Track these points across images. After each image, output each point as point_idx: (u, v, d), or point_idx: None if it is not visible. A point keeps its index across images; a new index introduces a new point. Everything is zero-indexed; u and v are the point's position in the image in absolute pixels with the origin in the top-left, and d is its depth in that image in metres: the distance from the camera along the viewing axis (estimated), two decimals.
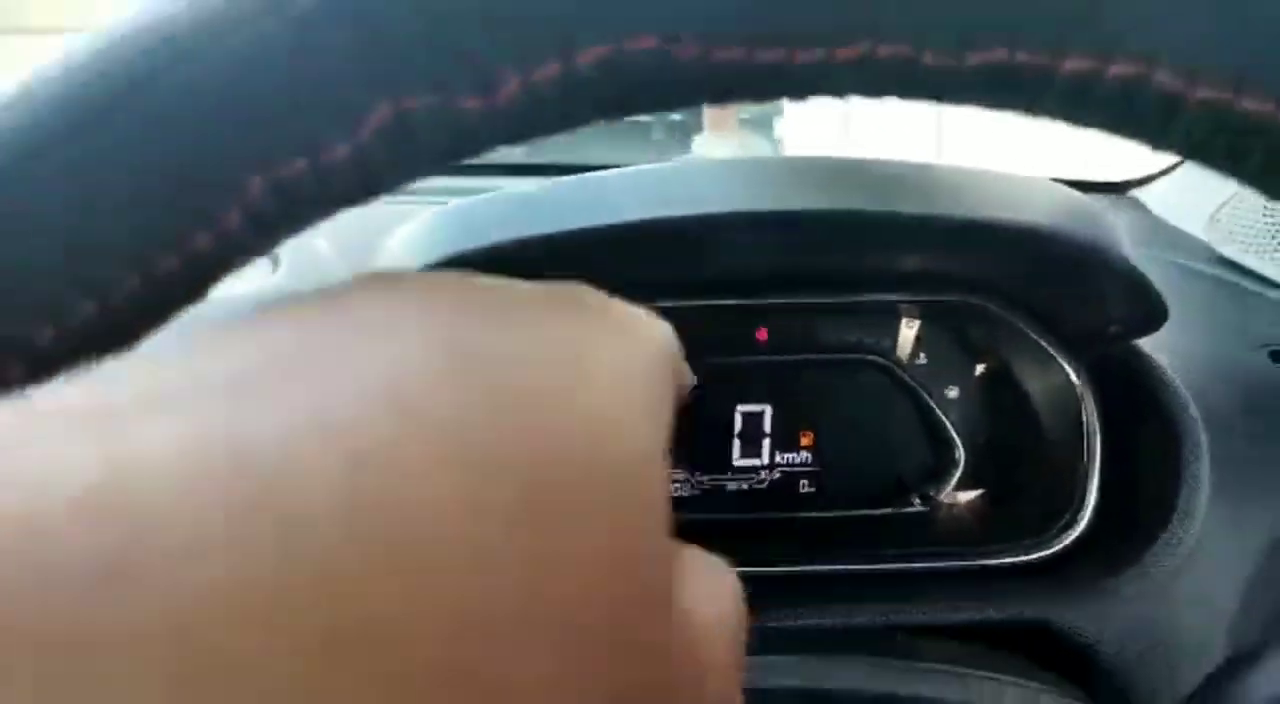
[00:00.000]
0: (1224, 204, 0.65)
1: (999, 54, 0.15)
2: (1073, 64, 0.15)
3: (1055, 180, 0.72)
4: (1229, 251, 0.64)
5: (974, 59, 0.15)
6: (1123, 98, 0.15)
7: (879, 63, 0.15)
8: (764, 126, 2.39)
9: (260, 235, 0.16)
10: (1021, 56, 0.15)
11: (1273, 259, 0.61)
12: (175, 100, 0.14)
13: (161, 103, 0.14)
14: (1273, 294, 0.59)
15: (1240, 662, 0.33)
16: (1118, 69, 0.15)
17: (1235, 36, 0.15)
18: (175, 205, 0.14)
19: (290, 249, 0.59)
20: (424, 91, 0.14)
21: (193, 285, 0.16)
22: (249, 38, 0.14)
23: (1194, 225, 0.67)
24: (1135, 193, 0.74)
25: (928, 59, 0.16)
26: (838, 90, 0.17)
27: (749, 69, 0.15)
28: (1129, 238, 0.65)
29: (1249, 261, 0.62)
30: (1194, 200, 0.68)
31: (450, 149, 0.16)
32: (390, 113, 0.14)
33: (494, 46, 0.14)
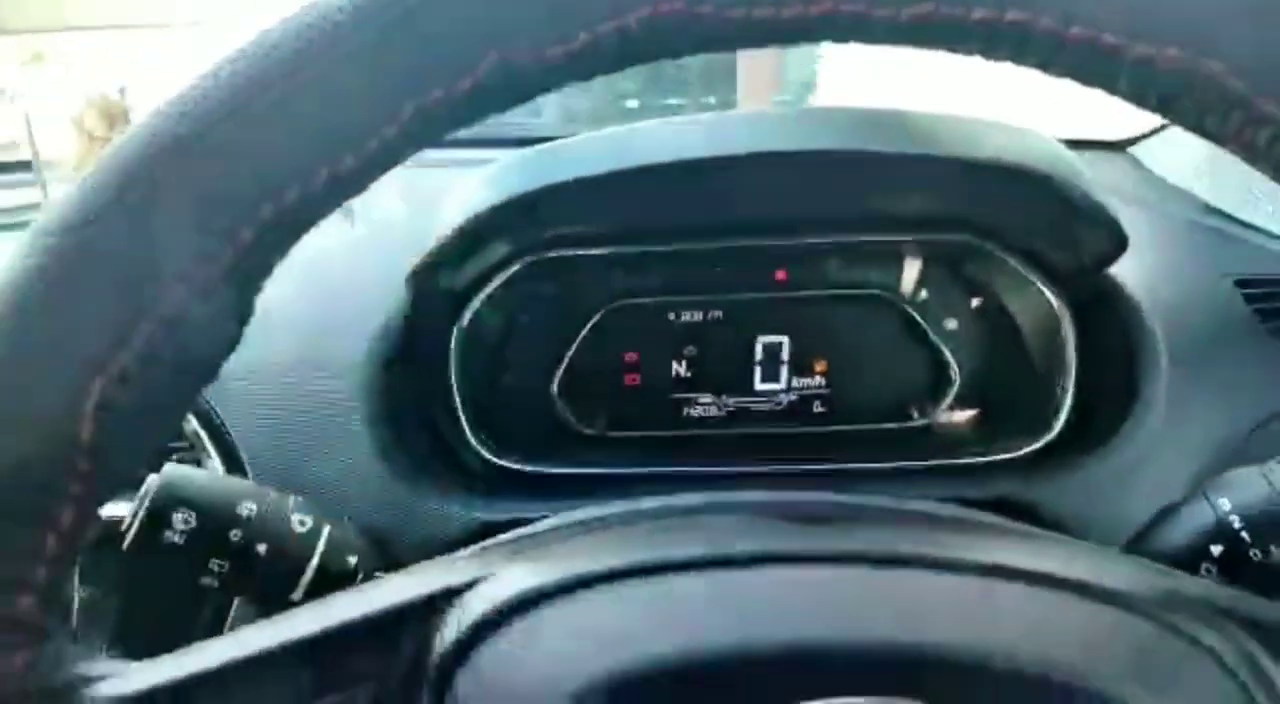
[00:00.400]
0: (1208, 158, 0.70)
1: (927, 8, 0.23)
2: (978, 14, 0.23)
3: (1061, 139, 0.78)
4: (1213, 200, 0.70)
5: (908, 11, 0.23)
6: (1020, 37, 0.22)
7: (842, 16, 0.23)
8: (800, 104, 2.43)
9: (407, 147, 0.23)
10: (943, 9, 0.23)
11: (1252, 205, 0.67)
12: (363, 55, 0.21)
13: (356, 54, 0.21)
14: (1249, 236, 0.65)
15: (1167, 511, 0.40)
16: (1011, 15, 0.22)
17: None
18: (358, 118, 0.22)
19: (363, 206, 0.68)
20: (521, 43, 0.22)
21: (359, 180, 0.23)
22: (412, 8, 0.21)
23: (1183, 178, 0.73)
24: (1132, 150, 0.80)
25: (877, 12, 0.23)
26: (811, 38, 0.24)
27: (750, 23, 0.23)
28: (1126, 191, 0.72)
29: (1230, 208, 0.68)
30: (1183, 155, 0.74)
31: (538, 83, 0.23)
32: (497, 58, 0.22)
33: (570, 12, 0.22)
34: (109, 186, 0.21)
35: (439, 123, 0.23)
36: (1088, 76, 0.23)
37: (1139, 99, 0.23)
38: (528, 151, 0.56)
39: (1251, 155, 0.23)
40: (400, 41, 0.21)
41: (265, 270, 0.23)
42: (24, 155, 0.83)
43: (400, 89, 0.22)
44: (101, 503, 0.22)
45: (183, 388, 0.22)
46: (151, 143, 0.21)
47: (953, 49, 0.24)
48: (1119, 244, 0.52)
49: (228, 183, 0.21)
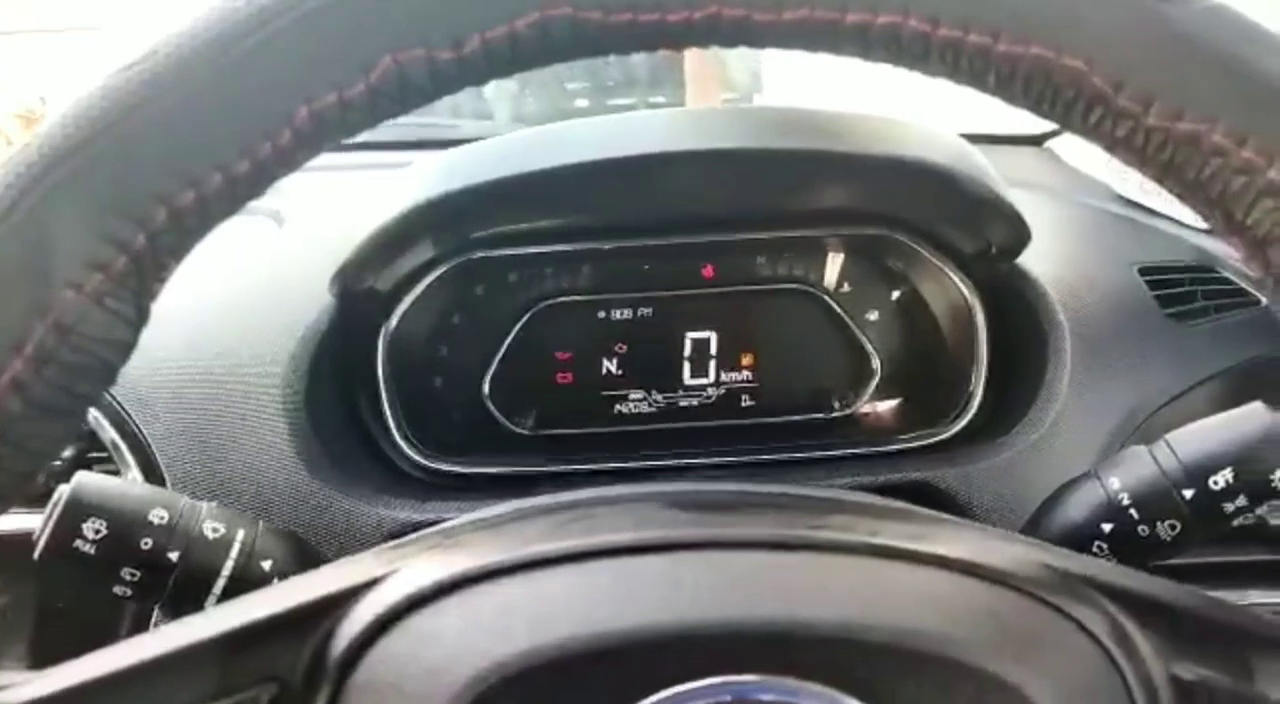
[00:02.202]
0: None
1: (803, 12, 0.24)
2: (852, 17, 0.24)
3: (982, 134, 0.81)
4: (1123, 190, 0.72)
5: (788, 15, 0.24)
6: (891, 39, 0.23)
7: (724, 20, 0.24)
8: (745, 101, 2.46)
9: (301, 151, 0.24)
10: (819, 12, 0.24)
11: (1157, 194, 0.69)
12: (254, 58, 0.22)
13: (246, 58, 0.22)
14: (1154, 223, 0.67)
15: (1061, 491, 0.42)
16: (883, 18, 0.23)
17: None
18: (251, 123, 0.23)
19: (292, 210, 0.68)
20: (414, 47, 0.22)
21: (255, 184, 0.24)
22: (304, 14, 0.22)
23: (1094, 169, 0.76)
24: (1049, 144, 0.83)
25: (757, 16, 0.24)
26: (697, 41, 0.25)
27: (636, 27, 0.24)
28: (1039, 183, 0.74)
29: (1138, 197, 0.71)
30: (1094, 148, 0.76)
31: (431, 88, 0.24)
32: (391, 61, 0.22)
33: (462, 17, 0.23)
34: (4, 195, 0.21)
35: (333, 126, 0.23)
36: (958, 75, 0.24)
37: (1006, 95, 0.25)
38: (450, 152, 0.56)
39: (1111, 147, 0.24)
40: (293, 45, 0.22)
41: (161, 276, 0.24)
42: None
43: (293, 93, 0.22)
44: (2, 510, 0.22)
45: (75, 393, 0.22)
46: (44, 150, 0.22)
47: (832, 51, 0.25)
48: (1023, 235, 0.54)
49: (119, 189, 0.22)
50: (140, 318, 0.23)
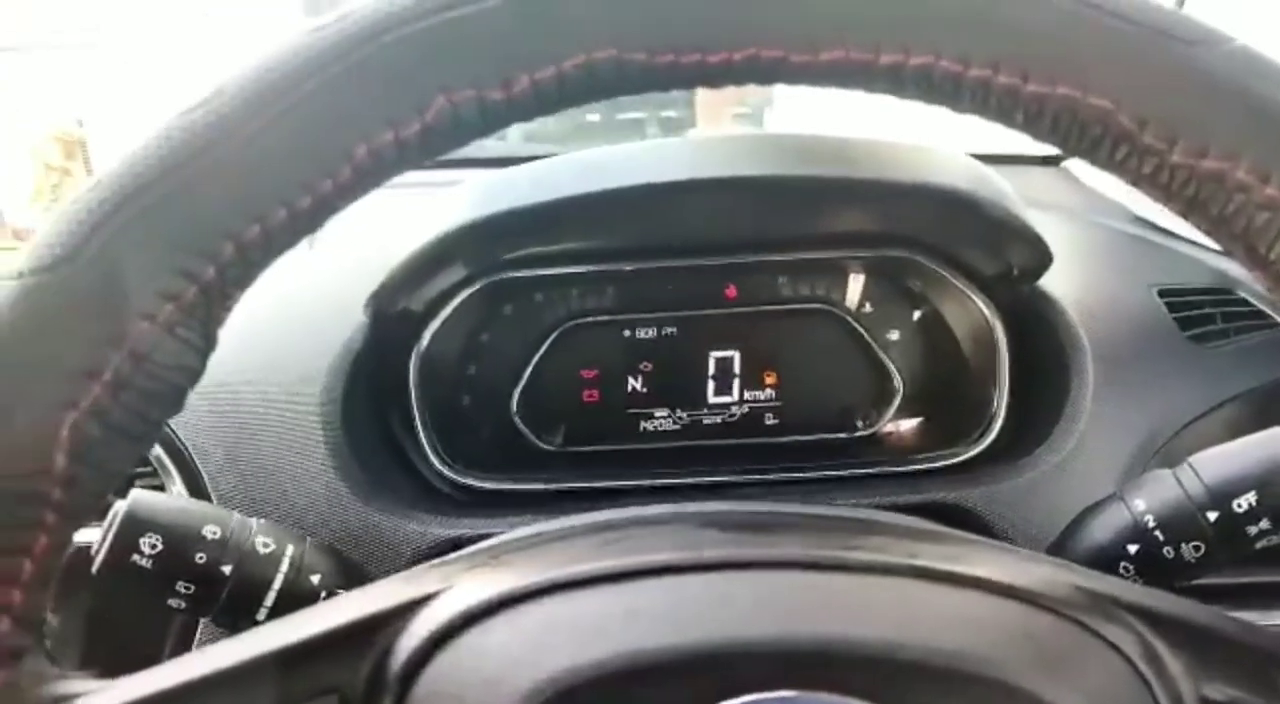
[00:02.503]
0: None
1: (838, 53, 0.25)
2: (886, 58, 0.25)
3: (999, 154, 0.82)
4: (1140, 210, 0.73)
5: (824, 56, 0.25)
6: (923, 79, 0.24)
7: (762, 61, 0.25)
8: (755, 121, 2.48)
9: (360, 186, 0.25)
10: (854, 54, 0.25)
11: (1174, 214, 0.70)
12: (315, 100, 0.23)
13: (308, 100, 0.23)
14: (1173, 244, 0.68)
15: (1086, 513, 0.43)
16: (915, 60, 0.25)
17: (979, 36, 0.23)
18: (313, 161, 0.24)
19: (325, 231, 0.69)
20: (465, 87, 0.24)
21: (316, 217, 0.25)
22: (362, 57, 0.23)
23: (1112, 189, 0.77)
24: (1066, 164, 0.84)
25: (794, 58, 0.25)
26: (735, 81, 0.27)
27: (678, 68, 0.25)
28: (1057, 203, 0.75)
29: (1155, 218, 0.71)
30: None
31: (482, 125, 0.25)
32: (445, 101, 0.24)
33: (511, 58, 0.24)
34: (80, 231, 0.23)
35: (389, 164, 0.24)
36: (988, 113, 0.25)
37: (1034, 132, 0.26)
38: (482, 177, 0.58)
39: (1137, 182, 0.25)
40: (352, 87, 0.23)
41: (227, 306, 0.25)
42: None
43: (353, 133, 0.23)
44: (74, 529, 0.24)
45: (149, 418, 0.24)
46: (119, 189, 0.23)
47: (866, 89, 0.26)
48: (1044, 257, 0.55)
49: (191, 225, 0.23)
50: (209, 345, 0.25)
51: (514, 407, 0.63)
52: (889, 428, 0.63)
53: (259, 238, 0.24)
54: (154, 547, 0.37)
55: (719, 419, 0.65)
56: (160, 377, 0.23)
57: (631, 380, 0.64)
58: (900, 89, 0.25)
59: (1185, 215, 0.26)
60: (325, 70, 0.23)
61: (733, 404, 0.65)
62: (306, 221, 0.25)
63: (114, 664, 0.27)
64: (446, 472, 0.59)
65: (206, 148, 0.23)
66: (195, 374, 0.24)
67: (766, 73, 0.25)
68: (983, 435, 0.58)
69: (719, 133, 1.26)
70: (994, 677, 0.25)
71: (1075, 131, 0.24)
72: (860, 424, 0.64)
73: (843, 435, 0.63)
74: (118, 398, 0.23)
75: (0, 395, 0.22)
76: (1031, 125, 0.25)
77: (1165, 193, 0.25)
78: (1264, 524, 0.38)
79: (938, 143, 0.60)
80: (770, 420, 0.65)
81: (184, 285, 0.23)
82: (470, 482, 0.60)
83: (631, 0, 0.23)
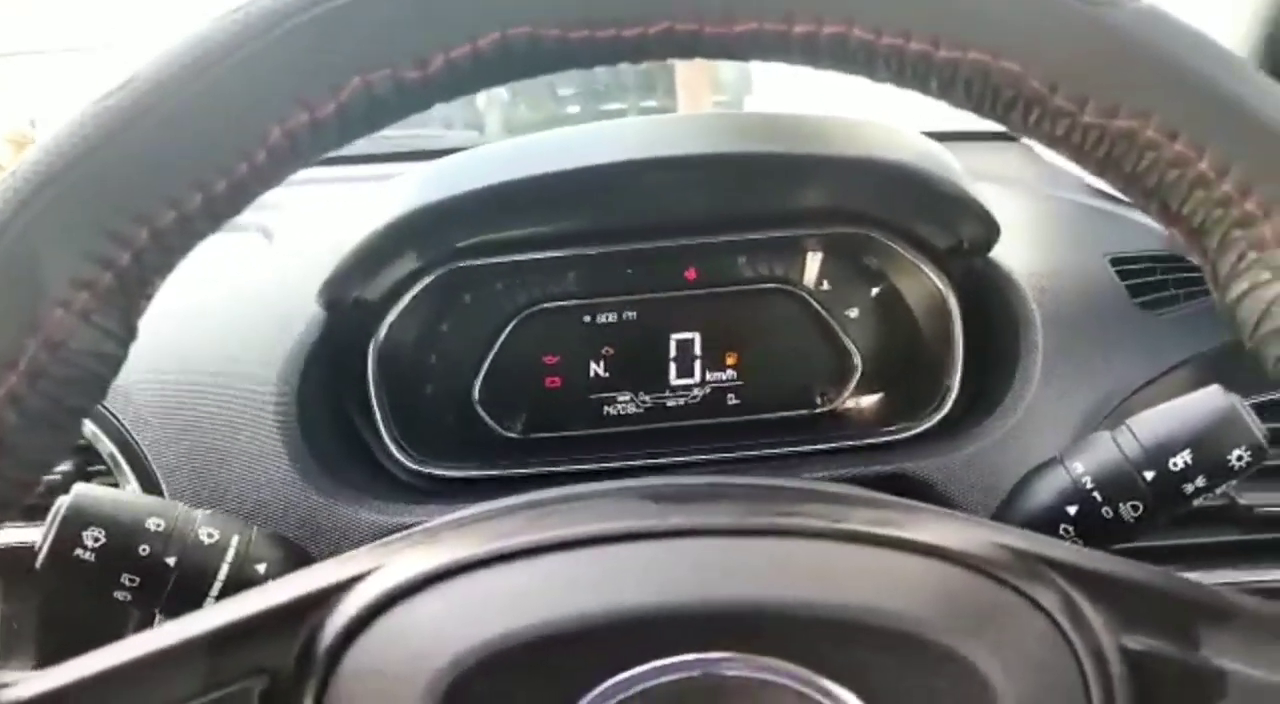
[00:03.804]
0: None
1: (752, 24, 0.25)
2: (799, 28, 0.25)
3: (961, 131, 0.82)
4: (1095, 182, 0.74)
5: (738, 28, 0.25)
6: (837, 48, 0.24)
7: (677, 34, 0.25)
8: (734, 107, 2.48)
9: (277, 169, 0.25)
10: (768, 25, 0.25)
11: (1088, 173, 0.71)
12: (226, 82, 0.23)
13: (218, 83, 0.23)
14: (1126, 213, 0.69)
15: (1028, 477, 0.43)
16: (828, 29, 0.25)
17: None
18: (226, 145, 0.24)
19: (281, 224, 0.69)
20: (381, 67, 0.24)
21: (233, 202, 0.25)
22: (274, 39, 0.23)
23: (1068, 162, 0.77)
24: (1025, 138, 0.84)
25: (708, 30, 0.25)
26: (653, 55, 0.27)
27: (594, 43, 0.25)
28: (1014, 177, 0.76)
29: (1108, 187, 0.72)
30: None
31: (400, 105, 0.25)
32: (360, 82, 0.24)
33: (426, 37, 0.24)
34: None
35: (306, 146, 0.24)
36: (903, 81, 0.26)
37: (949, 98, 0.26)
38: (432, 164, 0.58)
39: (1052, 144, 0.26)
40: (264, 69, 0.23)
41: (146, 293, 0.25)
42: None
43: (267, 115, 0.23)
44: (2, 520, 0.24)
45: (69, 406, 0.24)
46: (29, 176, 0.23)
47: (782, 60, 0.26)
48: (992, 231, 0.55)
49: (102, 211, 0.23)
50: (128, 333, 0.25)
51: (476, 394, 0.63)
52: (849, 403, 0.64)
53: (174, 223, 0.24)
54: (97, 540, 0.37)
55: (681, 401, 0.65)
56: (77, 364, 0.23)
57: (593, 365, 0.64)
58: (816, 59, 0.26)
59: (1099, 174, 0.26)
60: (238, 52, 0.23)
61: (695, 386, 0.65)
62: (224, 205, 0.25)
63: (68, 660, 0.27)
64: (406, 461, 0.60)
65: (118, 133, 0.23)
66: (115, 362, 0.25)
67: (683, 46, 0.26)
68: (938, 407, 0.59)
69: (674, 115, 1.26)
70: (912, 633, 0.26)
71: (988, 96, 0.25)
72: (820, 400, 0.64)
73: (803, 412, 0.64)
74: (35, 386, 0.23)
75: None
76: (945, 92, 0.25)
77: (1078, 153, 0.25)
78: (1200, 482, 0.38)
79: (898, 121, 0.61)
80: (732, 401, 0.65)
81: (99, 272, 0.23)
82: (431, 470, 0.60)
83: None
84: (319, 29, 0.23)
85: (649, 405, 0.65)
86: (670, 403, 0.65)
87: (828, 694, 0.25)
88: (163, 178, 0.23)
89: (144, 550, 0.37)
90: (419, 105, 0.26)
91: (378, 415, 0.59)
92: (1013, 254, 0.60)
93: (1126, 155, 0.24)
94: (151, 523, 0.37)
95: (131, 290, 0.24)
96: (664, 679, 0.25)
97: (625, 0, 0.24)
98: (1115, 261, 0.62)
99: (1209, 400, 0.39)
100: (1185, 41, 0.24)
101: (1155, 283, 0.61)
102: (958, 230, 0.58)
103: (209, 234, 0.25)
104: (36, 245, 0.23)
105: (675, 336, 0.65)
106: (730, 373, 0.65)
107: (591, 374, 0.64)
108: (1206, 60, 0.24)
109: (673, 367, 0.65)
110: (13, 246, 0.23)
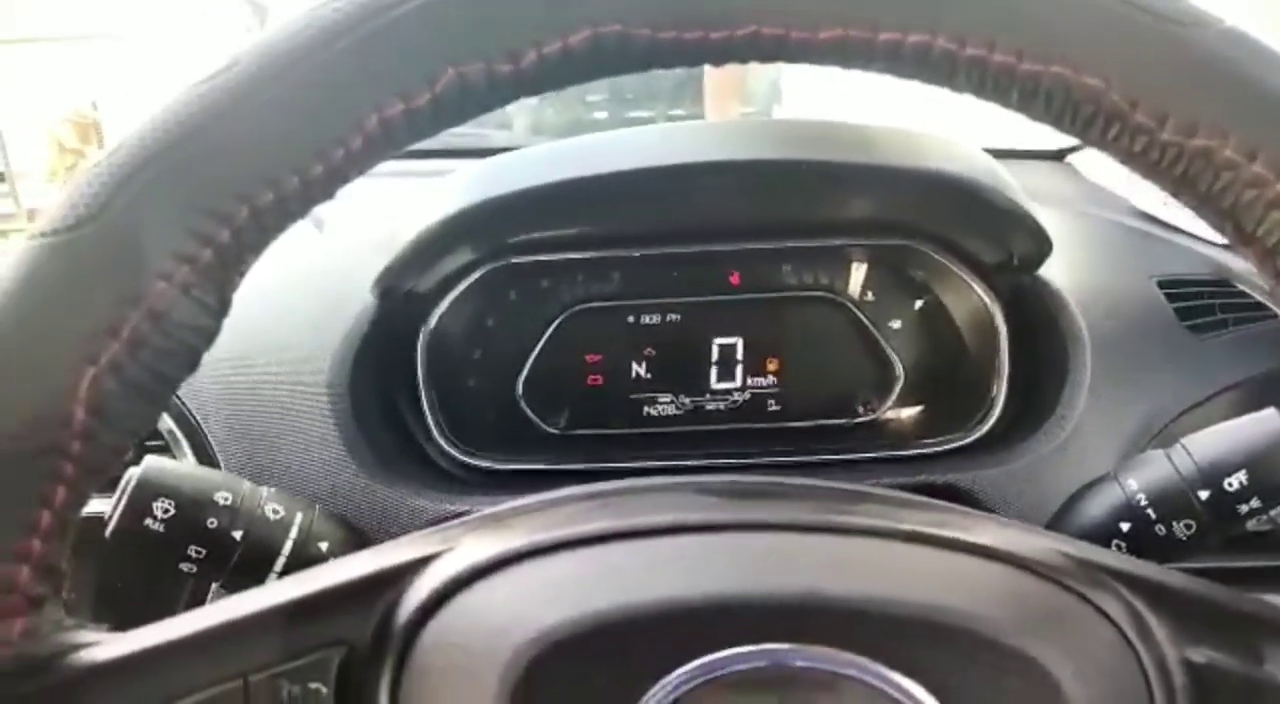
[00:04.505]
0: None
1: (837, 31, 0.26)
2: (884, 36, 0.25)
3: (1003, 149, 0.82)
4: (1141, 204, 0.74)
5: (823, 34, 0.26)
6: (920, 57, 0.25)
7: (764, 38, 0.26)
8: (764, 114, 2.48)
9: (371, 155, 0.26)
10: (853, 32, 0.25)
11: (1175, 209, 0.71)
12: (328, 70, 0.24)
13: (321, 70, 0.24)
14: (1171, 237, 0.69)
15: (1082, 492, 0.43)
16: (913, 38, 0.25)
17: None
18: (325, 130, 0.25)
19: (334, 215, 0.70)
20: (475, 60, 0.25)
21: (328, 185, 0.26)
22: (374, 29, 0.24)
23: (1115, 184, 0.77)
24: (1070, 159, 0.84)
25: (794, 34, 0.26)
26: (737, 58, 0.27)
27: (681, 44, 0.26)
28: (1060, 197, 0.76)
29: (1157, 212, 0.72)
30: (1114, 163, 0.78)
31: (491, 97, 0.26)
32: (454, 73, 0.25)
33: (520, 32, 0.25)
34: (100, 194, 0.23)
35: (400, 134, 0.25)
36: (984, 92, 0.26)
37: (1028, 111, 0.26)
38: (489, 161, 0.58)
39: (1128, 161, 0.26)
40: (364, 58, 0.24)
41: (241, 269, 0.26)
42: None
43: (365, 103, 0.24)
44: (91, 484, 0.25)
45: (165, 376, 0.25)
46: (135, 153, 0.24)
47: (864, 68, 0.27)
48: (1044, 246, 0.55)
49: (207, 189, 0.24)
50: (223, 307, 0.25)
51: (519, 389, 0.64)
52: (890, 414, 0.64)
53: (273, 203, 0.25)
54: (166, 511, 0.37)
55: (721, 405, 0.66)
56: (176, 336, 0.24)
57: (635, 365, 0.65)
58: (898, 67, 0.26)
59: (1175, 193, 0.26)
60: (339, 41, 0.24)
61: (735, 390, 0.66)
62: (319, 189, 0.25)
63: (123, 628, 0.27)
64: (452, 451, 0.60)
65: (223, 115, 0.24)
66: (210, 335, 0.25)
67: (768, 50, 0.26)
68: (982, 421, 0.59)
69: (725, 120, 1.27)
70: (978, 631, 0.26)
71: (1069, 110, 0.25)
72: (861, 410, 0.64)
73: (843, 421, 0.64)
74: (135, 356, 0.23)
75: (22, 350, 0.23)
76: (1026, 104, 0.26)
77: (1155, 170, 0.26)
78: (1254, 503, 0.38)
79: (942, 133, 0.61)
80: (772, 406, 0.66)
81: (199, 248, 0.24)
82: (475, 461, 0.60)
83: None
84: (418, 22, 0.24)
85: (689, 407, 0.66)
86: (710, 406, 0.66)
87: (898, 688, 0.25)
88: (264, 160, 0.24)
89: (212, 523, 0.38)
90: (509, 98, 0.26)
91: (425, 406, 0.60)
92: (1060, 272, 0.60)
93: (1203, 174, 0.25)
94: (220, 497, 0.38)
95: (229, 266, 0.25)
96: (736, 667, 0.25)
97: (714, 3, 0.25)
98: (1163, 284, 0.62)
99: (1266, 422, 0.39)
100: (1267, 62, 0.24)
101: (1203, 307, 0.61)
102: (1008, 245, 0.58)
103: (303, 215, 0.26)
104: (141, 219, 0.24)
105: (717, 341, 0.65)
106: (771, 379, 0.66)
107: (633, 374, 0.65)
108: None
109: (714, 370, 0.66)
110: (118, 220, 0.23)
